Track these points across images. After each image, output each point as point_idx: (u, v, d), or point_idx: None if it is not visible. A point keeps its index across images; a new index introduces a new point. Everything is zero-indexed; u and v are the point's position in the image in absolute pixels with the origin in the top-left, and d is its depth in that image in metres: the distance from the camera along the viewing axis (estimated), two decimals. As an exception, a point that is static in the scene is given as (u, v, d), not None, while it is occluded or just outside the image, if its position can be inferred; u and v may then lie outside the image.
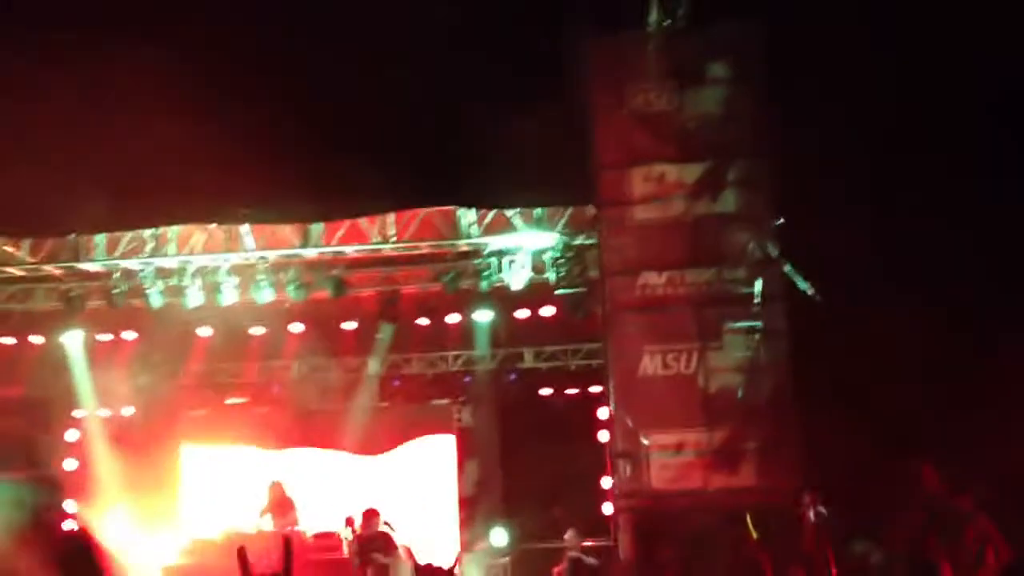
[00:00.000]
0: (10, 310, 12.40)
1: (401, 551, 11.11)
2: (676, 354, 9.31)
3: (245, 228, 11.12)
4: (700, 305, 9.32)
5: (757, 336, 9.17)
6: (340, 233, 11.16)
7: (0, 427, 13.21)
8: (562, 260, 11.17)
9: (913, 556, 8.36)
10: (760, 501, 8.88)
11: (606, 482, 12.10)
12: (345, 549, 10.97)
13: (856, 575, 8.52)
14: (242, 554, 7.40)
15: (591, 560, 11.41)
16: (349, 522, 12.08)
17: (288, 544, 7.28)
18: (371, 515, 10.97)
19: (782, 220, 9.32)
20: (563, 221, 10.98)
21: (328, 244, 11.22)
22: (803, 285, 9.58)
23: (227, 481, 13.76)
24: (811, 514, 8.66)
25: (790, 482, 8.86)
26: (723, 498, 8.96)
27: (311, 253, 11.31)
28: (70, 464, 13.83)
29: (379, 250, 11.41)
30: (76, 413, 13.96)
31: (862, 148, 9.09)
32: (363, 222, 10.99)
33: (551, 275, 11.36)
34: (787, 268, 9.45)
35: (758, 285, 9.22)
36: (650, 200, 9.44)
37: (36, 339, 12.87)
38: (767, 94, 9.09)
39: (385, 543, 10.80)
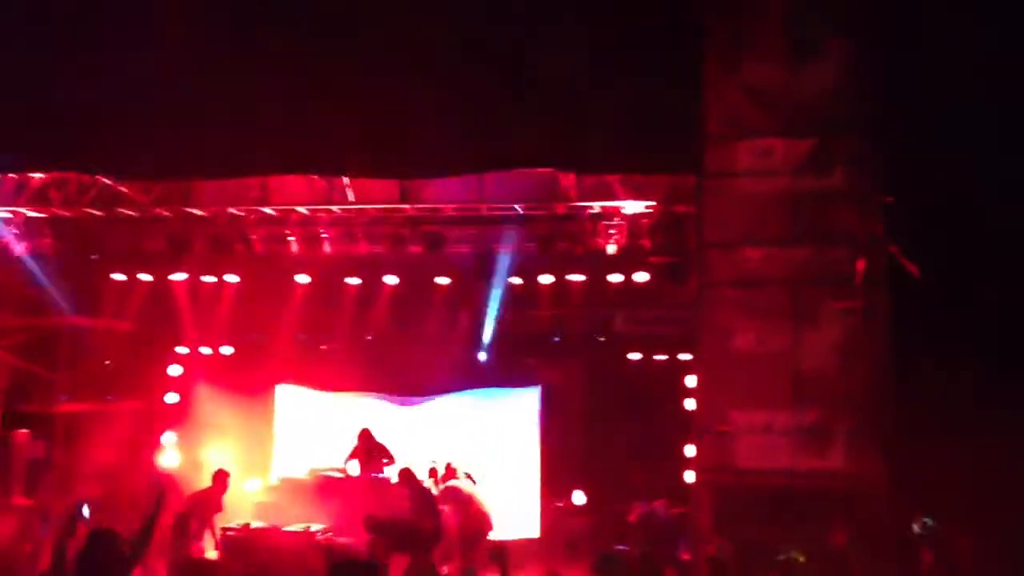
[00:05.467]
0: (122, 249, 12.89)
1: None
2: (771, 332, 9.17)
3: (346, 181, 11.30)
4: (799, 283, 9.15)
5: (857, 318, 8.99)
6: (438, 190, 11.27)
7: (111, 357, 13.90)
8: (659, 228, 11.07)
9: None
10: (848, 486, 8.76)
11: (689, 450, 12.08)
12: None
13: None
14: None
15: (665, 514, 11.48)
16: (432, 473, 12.40)
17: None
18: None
19: (890, 200, 9.05)
20: (662, 189, 10.86)
21: (426, 200, 11.34)
22: (907, 267, 9.29)
23: (317, 423, 14.18)
24: (915, 526, 8.47)
25: (881, 468, 8.71)
26: (810, 480, 8.87)
27: (409, 208, 11.45)
28: (172, 397, 14.43)
29: (476, 208, 11.50)
30: (179, 349, 14.55)
31: (975, 132, 8.72)
32: (461, 180, 11.06)
33: (647, 242, 11.29)
34: (892, 249, 9.19)
35: (861, 265, 9.00)
36: (754, 173, 9.27)
37: (145, 277, 13.41)
38: (886, 70, 8.78)
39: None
